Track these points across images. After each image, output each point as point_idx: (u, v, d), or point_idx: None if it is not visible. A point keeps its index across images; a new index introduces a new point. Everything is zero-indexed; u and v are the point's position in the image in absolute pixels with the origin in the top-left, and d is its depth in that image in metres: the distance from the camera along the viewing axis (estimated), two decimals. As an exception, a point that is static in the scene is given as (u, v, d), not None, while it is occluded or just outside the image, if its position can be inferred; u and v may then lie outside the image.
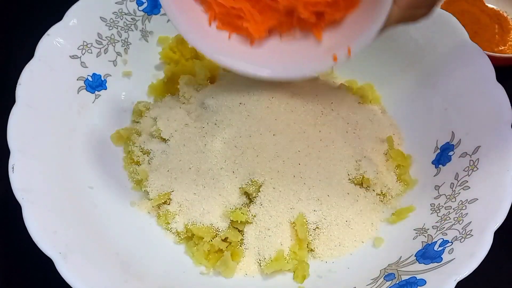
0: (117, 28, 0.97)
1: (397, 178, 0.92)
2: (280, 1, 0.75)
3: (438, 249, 0.75)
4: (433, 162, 0.91)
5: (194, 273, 0.84)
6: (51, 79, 0.86)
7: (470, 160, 0.84)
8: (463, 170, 0.84)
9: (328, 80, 1.03)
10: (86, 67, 0.93)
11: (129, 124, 0.99)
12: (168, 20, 1.02)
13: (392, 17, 0.66)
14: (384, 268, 0.79)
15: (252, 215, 0.84)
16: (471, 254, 0.71)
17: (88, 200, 0.84)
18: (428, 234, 0.80)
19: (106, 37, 0.96)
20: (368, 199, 0.89)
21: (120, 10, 0.97)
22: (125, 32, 0.98)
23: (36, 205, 0.73)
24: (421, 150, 0.94)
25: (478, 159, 0.83)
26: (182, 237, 0.87)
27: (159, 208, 0.90)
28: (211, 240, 0.84)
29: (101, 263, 0.75)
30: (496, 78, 0.85)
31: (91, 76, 0.94)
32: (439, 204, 0.84)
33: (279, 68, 0.79)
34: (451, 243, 0.75)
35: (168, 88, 1.00)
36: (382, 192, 0.91)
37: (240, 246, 0.85)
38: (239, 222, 0.85)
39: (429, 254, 0.76)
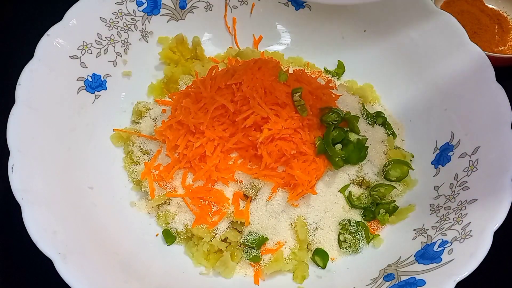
0: (117, 29, 0.97)
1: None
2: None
3: (438, 250, 0.75)
4: (432, 163, 0.91)
5: (194, 273, 0.84)
6: (51, 80, 0.86)
7: (469, 161, 0.84)
8: (463, 170, 0.84)
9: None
10: (86, 67, 0.93)
11: (129, 124, 0.99)
12: (168, 20, 1.03)
13: None
14: (384, 269, 0.79)
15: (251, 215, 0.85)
16: (471, 254, 0.71)
17: (88, 200, 0.84)
18: (427, 235, 0.80)
19: (106, 37, 0.95)
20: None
21: (120, 11, 0.97)
22: (125, 32, 0.98)
23: (35, 205, 0.73)
24: (420, 151, 0.94)
25: (477, 159, 0.83)
26: (182, 237, 0.87)
27: (159, 208, 0.90)
28: (211, 241, 0.84)
29: (100, 263, 0.75)
30: (496, 78, 0.85)
31: (91, 77, 0.93)
32: (438, 204, 0.84)
33: None
34: (450, 244, 0.75)
35: (168, 88, 1.01)
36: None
37: (240, 246, 0.85)
38: (239, 222, 0.85)
39: (428, 255, 0.76)
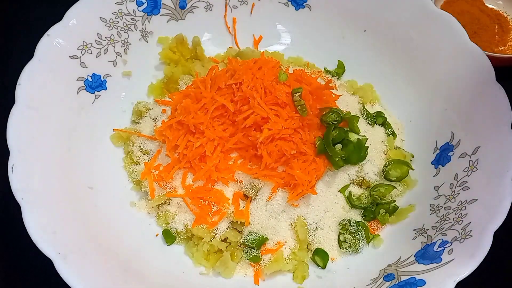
0: (117, 29, 0.97)
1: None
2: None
3: (438, 250, 0.75)
4: (432, 163, 0.91)
5: (194, 273, 0.84)
6: (51, 79, 0.86)
7: (469, 161, 0.84)
8: (463, 170, 0.84)
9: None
10: (86, 67, 0.92)
11: (129, 124, 0.99)
12: (168, 20, 1.03)
13: None
14: (384, 269, 0.79)
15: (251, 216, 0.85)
16: (471, 254, 0.71)
17: (88, 200, 0.84)
18: (427, 235, 0.80)
19: (106, 37, 0.95)
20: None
21: (120, 11, 0.97)
22: (125, 32, 0.98)
23: (35, 206, 0.73)
24: (420, 151, 0.94)
25: (477, 159, 0.83)
26: (182, 237, 0.87)
27: (158, 208, 0.90)
28: (211, 241, 0.84)
29: (100, 263, 0.75)
30: (496, 78, 0.85)
31: (91, 76, 0.93)
32: (438, 204, 0.84)
33: None
34: (450, 244, 0.75)
35: (168, 88, 1.01)
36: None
37: (239, 246, 0.85)
38: (239, 222, 0.85)
39: (428, 255, 0.76)
